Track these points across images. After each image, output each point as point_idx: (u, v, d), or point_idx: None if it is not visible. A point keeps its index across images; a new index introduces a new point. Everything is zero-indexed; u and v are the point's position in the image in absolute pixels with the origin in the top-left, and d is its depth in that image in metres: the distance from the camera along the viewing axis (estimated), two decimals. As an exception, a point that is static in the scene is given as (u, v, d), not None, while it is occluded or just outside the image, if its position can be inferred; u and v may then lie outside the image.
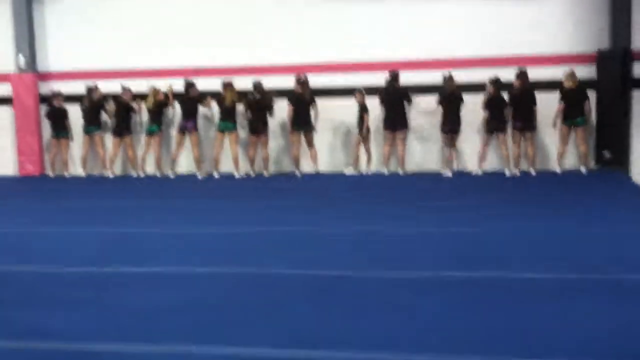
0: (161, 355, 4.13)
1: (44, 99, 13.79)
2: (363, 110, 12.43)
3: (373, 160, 12.81)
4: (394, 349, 4.14)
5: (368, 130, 12.52)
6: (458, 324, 4.52)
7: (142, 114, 13.31)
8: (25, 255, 6.75)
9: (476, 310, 4.80)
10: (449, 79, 12.15)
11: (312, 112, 12.50)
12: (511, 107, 11.98)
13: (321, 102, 12.59)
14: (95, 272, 6.03)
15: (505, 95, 12.05)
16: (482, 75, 12.25)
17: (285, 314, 4.81)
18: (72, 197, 10.95)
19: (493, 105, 12.03)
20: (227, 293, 5.37)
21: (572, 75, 11.81)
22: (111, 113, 13.27)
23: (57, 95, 13.40)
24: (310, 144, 12.64)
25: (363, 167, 12.78)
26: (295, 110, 12.48)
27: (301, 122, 12.51)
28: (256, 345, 4.23)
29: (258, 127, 12.59)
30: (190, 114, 12.77)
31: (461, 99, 12.16)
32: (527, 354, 4.00)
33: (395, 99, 12.36)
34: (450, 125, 12.18)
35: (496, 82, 11.96)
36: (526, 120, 11.92)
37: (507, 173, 11.97)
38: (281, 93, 12.67)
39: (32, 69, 13.85)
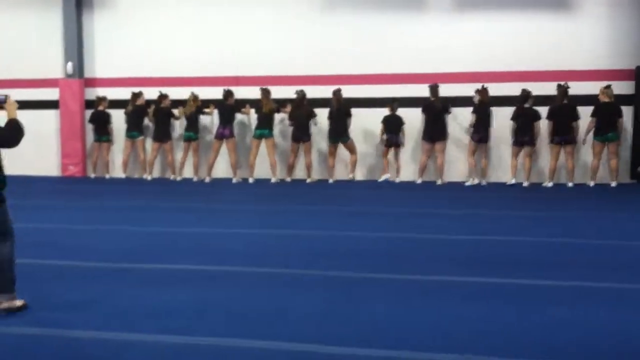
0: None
1: (89, 104, 14.21)
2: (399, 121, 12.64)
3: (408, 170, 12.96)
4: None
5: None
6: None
7: (182, 120, 13.60)
8: (65, 250, 6.97)
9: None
10: (481, 91, 12.21)
11: (347, 123, 12.71)
12: (551, 121, 11.96)
13: (362, 112, 12.78)
14: (129, 268, 6.25)
15: (545, 110, 12.05)
16: (519, 88, 12.27)
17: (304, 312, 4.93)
18: (111, 198, 11.24)
19: (519, 118, 12.05)
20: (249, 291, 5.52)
21: (608, 90, 11.76)
22: (151, 118, 13.62)
23: (102, 99, 13.82)
24: (351, 151, 12.80)
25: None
26: (331, 123, 12.71)
27: (336, 133, 12.69)
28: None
29: (300, 134, 12.78)
30: (227, 121, 13.02)
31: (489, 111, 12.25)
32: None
33: (435, 111, 12.46)
34: (480, 134, 12.23)
35: (525, 96, 12.01)
36: (565, 134, 11.89)
37: (525, 184, 12.09)
38: (325, 102, 12.89)
39: (79, 75, 14.30)
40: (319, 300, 5.16)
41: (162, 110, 13.45)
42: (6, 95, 4.97)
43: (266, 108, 12.79)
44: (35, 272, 5.54)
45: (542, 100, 12.16)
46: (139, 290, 5.49)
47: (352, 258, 6.59)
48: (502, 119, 12.35)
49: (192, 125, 13.33)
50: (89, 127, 14.12)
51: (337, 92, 12.71)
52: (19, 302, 4.93)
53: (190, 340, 4.30)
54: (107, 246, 7.20)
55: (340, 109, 12.71)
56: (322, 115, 12.94)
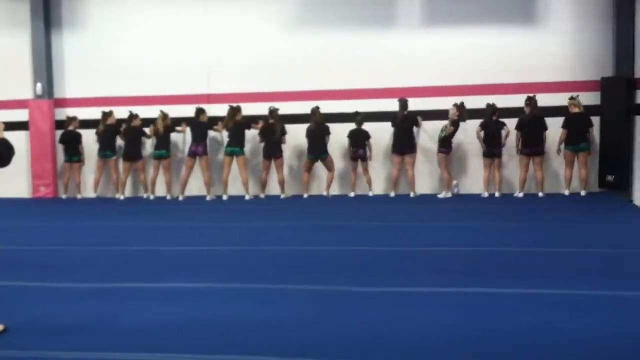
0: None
1: (60, 125, 14.12)
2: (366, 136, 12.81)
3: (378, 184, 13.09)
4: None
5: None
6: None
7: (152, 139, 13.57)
8: (41, 272, 6.95)
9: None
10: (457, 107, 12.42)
11: (325, 140, 12.82)
12: (520, 132, 12.17)
13: (333, 127, 12.89)
14: (106, 288, 6.24)
15: (514, 121, 12.25)
16: (487, 102, 12.48)
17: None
18: (86, 218, 11.17)
19: (488, 130, 12.27)
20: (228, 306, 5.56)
21: (576, 100, 12.02)
22: (123, 138, 13.59)
23: (72, 119, 13.74)
24: (328, 168, 12.89)
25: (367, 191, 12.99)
26: (310, 142, 12.83)
27: (316, 150, 12.79)
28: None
29: (273, 151, 12.85)
30: (200, 139, 13.04)
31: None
32: None
33: (404, 124, 12.61)
34: (446, 147, 12.42)
35: (492, 110, 12.26)
36: (534, 145, 12.10)
37: (496, 194, 12.25)
38: (298, 118, 12.99)
39: (48, 95, 14.21)
40: (301, 314, 5.22)
41: (133, 130, 13.41)
42: None
43: (224, 126, 12.86)
44: (11, 293, 5.51)
45: (508, 112, 12.36)
46: (119, 308, 5.49)
47: (332, 271, 6.66)
48: (471, 132, 12.53)
49: (163, 143, 13.31)
50: (60, 148, 14.02)
51: (316, 110, 12.82)
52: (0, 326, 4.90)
53: (175, 357, 4.32)
54: (86, 266, 7.19)
55: (320, 126, 12.80)
56: (294, 131, 13.01)
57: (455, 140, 12.60)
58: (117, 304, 5.62)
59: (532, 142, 12.12)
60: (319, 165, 13.04)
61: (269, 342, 4.59)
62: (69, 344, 4.63)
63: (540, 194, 12.11)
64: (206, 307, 5.50)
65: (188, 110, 13.25)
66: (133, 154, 13.42)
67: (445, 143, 12.44)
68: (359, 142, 12.80)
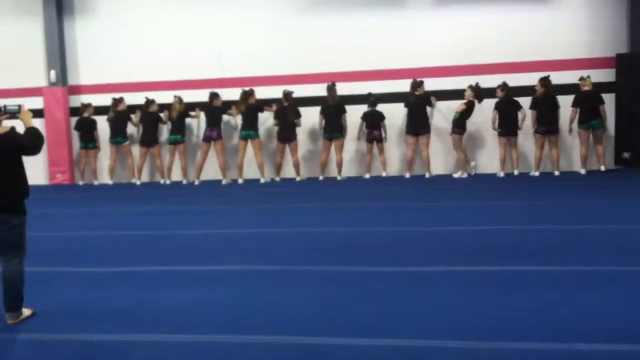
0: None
1: (74, 112, 14.20)
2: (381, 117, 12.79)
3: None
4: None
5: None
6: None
7: (168, 125, 13.63)
8: (63, 258, 7.03)
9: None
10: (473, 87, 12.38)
11: (342, 120, 12.79)
12: (535, 111, 12.13)
13: (348, 109, 12.89)
14: (129, 272, 6.31)
15: (528, 100, 12.22)
16: (501, 81, 12.43)
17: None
18: (101, 204, 11.25)
19: (502, 109, 12.22)
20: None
21: (588, 79, 11.96)
22: (137, 124, 13.65)
23: (87, 106, 13.81)
24: (339, 150, 12.88)
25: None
26: (327, 118, 12.80)
27: (332, 129, 12.79)
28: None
29: (287, 134, 12.86)
30: (214, 123, 13.07)
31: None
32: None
33: (418, 105, 12.59)
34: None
35: (504, 87, 12.20)
36: (549, 124, 12.07)
37: (515, 172, 12.26)
38: (311, 101, 12.98)
39: (62, 82, 14.27)
40: (320, 295, 5.27)
41: (150, 115, 13.47)
42: (19, 105, 5.02)
43: (238, 110, 12.88)
44: (35, 279, 5.57)
45: (522, 91, 12.33)
46: (144, 292, 5.55)
47: (352, 253, 6.70)
48: (485, 113, 12.50)
49: (178, 128, 13.36)
50: (75, 135, 14.11)
51: (331, 88, 12.80)
52: (27, 312, 4.98)
53: (197, 338, 4.39)
54: (107, 251, 7.27)
55: (336, 104, 12.80)
56: (307, 113, 13.02)
57: (472, 119, 12.56)
58: (140, 288, 5.69)
59: (548, 121, 12.09)
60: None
61: (289, 323, 4.64)
62: (95, 327, 4.70)
63: (557, 173, 12.10)
64: (227, 289, 5.55)
65: (202, 95, 13.29)
66: (149, 139, 13.48)
67: (459, 123, 12.42)
68: (374, 124, 12.79)
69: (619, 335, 4.14)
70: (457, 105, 12.48)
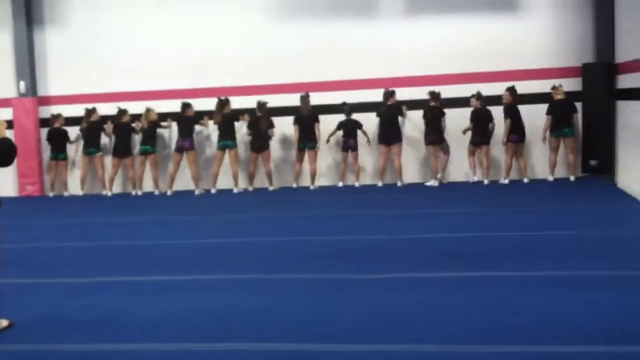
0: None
1: (44, 122, 14.09)
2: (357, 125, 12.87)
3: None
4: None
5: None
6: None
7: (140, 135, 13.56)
8: (37, 269, 7.00)
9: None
10: (432, 94, 12.53)
11: (315, 130, 12.85)
12: (506, 120, 12.31)
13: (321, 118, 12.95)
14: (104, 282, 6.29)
15: (496, 109, 12.39)
16: (472, 90, 12.60)
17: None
18: (73, 215, 11.18)
19: (477, 119, 12.40)
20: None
21: (560, 87, 12.17)
22: (110, 134, 13.58)
23: (57, 117, 13.71)
24: (313, 160, 12.93)
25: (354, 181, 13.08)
26: (300, 129, 12.85)
27: (305, 139, 12.85)
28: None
29: (260, 144, 12.89)
30: (186, 133, 13.04)
31: (442, 113, 12.50)
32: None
33: (389, 114, 12.71)
34: (433, 137, 12.52)
35: (479, 97, 12.38)
36: (520, 133, 12.26)
37: (485, 182, 12.38)
38: (284, 111, 13.03)
39: (32, 93, 14.15)
40: (300, 302, 5.32)
41: (123, 126, 13.40)
42: None
43: (216, 120, 12.86)
44: (11, 290, 5.54)
45: (491, 100, 12.49)
46: (121, 302, 5.55)
47: (332, 259, 6.76)
48: (455, 121, 12.64)
49: (148, 138, 13.30)
50: (45, 145, 13.99)
51: (305, 98, 12.86)
52: (4, 322, 4.94)
53: (179, 346, 4.41)
54: (81, 262, 7.24)
55: (310, 114, 12.86)
56: (281, 124, 13.06)
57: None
58: (117, 298, 5.68)
59: (518, 130, 12.27)
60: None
61: (270, 330, 4.68)
62: (75, 337, 4.69)
63: (526, 180, 12.27)
64: (206, 298, 5.57)
65: (175, 105, 13.25)
66: (122, 150, 13.41)
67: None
68: (350, 132, 12.85)
69: (597, 336, 4.24)
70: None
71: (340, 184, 13.04)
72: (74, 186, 13.95)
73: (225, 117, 12.86)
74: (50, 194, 13.89)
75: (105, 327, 4.91)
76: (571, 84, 12.53)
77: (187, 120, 13.09)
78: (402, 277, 5.93)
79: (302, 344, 4.37)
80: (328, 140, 13.05)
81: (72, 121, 13.76)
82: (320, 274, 6.18)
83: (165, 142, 13.84)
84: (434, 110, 12.53)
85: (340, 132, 12.97)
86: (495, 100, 12.47)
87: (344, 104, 12.92)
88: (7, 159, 4.90)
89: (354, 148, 12.90)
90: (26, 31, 14.00)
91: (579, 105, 12.45)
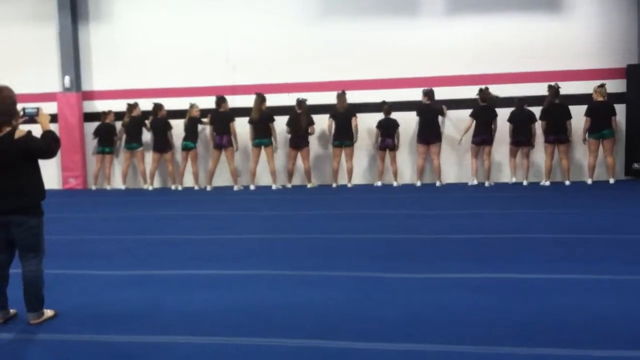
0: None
1: (87, 117, 14.33)
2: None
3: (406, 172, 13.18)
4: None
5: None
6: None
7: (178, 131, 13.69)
8: (81, 260, 7.11)
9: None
10: (482, 92, 12.42)
11: (352, 125, 12.86)
12: (544, 121, 12.20)
13: (360, 117, 12.99)
14: (146, 275, 6.39)
15: (538, 110, 12.28)
16: (515, 90, 12.50)
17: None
18: (115, 209, 11.35)
19: (517, 120, 12.28)
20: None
21: (601, 89, 12.01)
22: (149, 129, 13.74)
23: (108, 113, 13.97)
24: (349, 157, 12.94)
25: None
26: (337, 126, 12.85)
27: (341, 137, 12.85)
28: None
29: (299, 141, 12.92)
30: (223, 130, 13.12)
31: (494, 113, 12.40)
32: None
33: (430, 114, 12.66)
34: (482, 136, 12.43)
35: (520, 99, 12.27)
36: (559, 133, 12.12)
37: (525, 183, 12.33)
38: (324, 109, 13.07)
39: (76, 88, 14.40)
40: (336, 298, 5.34)
41: (159, 121, 13.56)
42: (38, 108, 5.11)
43: (255, 115, 12.89)
44: (55, 281, 5.65)
45: (534, 100, 12.40)
46: (160, 294, 5.62)
47: (364, 258, 6.77)
48: (499, 121, 12.55)
49: (190, 134, 13.43)
50: (88, 139, 14.23)
51: (341, 95, 12.87)
52: (49, 312, 5.05)
53: (216, 340, 4.46)
54: (124, 254, 7.36)
55: (346, 111, 12.87)
56: (320, 121, 13.12)
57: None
58: (158, 291, 5.76)
59: (556, 130, 12.14)
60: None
61: (305, 325, 4.70)
62: (114, 328, 4.76)
63: (567, 182, 12.14)
64: (242, 293, 5.61)
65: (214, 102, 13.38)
66: (161, 145, 13.57)
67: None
68: (388, 132, 12.85)
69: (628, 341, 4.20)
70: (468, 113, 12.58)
71: (379, 183, 13.03)
72: (116, 180, 14.19)
73: (262, 115, 12.91)
74: (93, 187, 14.15)
75: (145, 319, 4.98)
76: (615, 86, 12.38)
77: (222, 116, 13.16)
78: (434, 277, 5.91)
79: (332, 341, 4.39)
80: (375, 146, 12.98)
81: (116, 116, 14.01)
82: (355, 271, 6.19)
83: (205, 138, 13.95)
84: (485, 110, 12.42)
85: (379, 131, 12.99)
86: (539, 100, 12.35)
87: (384, 102, 12.91)
88: (51, 151, 4.99)
89: (392, 147, 12.87)
90: (71, 26, 14.27)
91: (622, 107, 12.30)
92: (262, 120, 12.91)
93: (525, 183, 12.35)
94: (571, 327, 4.49)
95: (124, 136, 13.90)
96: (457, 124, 12.98)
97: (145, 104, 13.76)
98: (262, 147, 13.02)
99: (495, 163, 12.98)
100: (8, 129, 4.83)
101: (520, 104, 12.42)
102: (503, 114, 12.48)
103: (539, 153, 12.64)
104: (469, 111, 12.56)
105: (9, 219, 4.82)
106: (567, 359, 3.97)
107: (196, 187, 13.50)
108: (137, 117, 13.77)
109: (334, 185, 13.08)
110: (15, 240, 4.88)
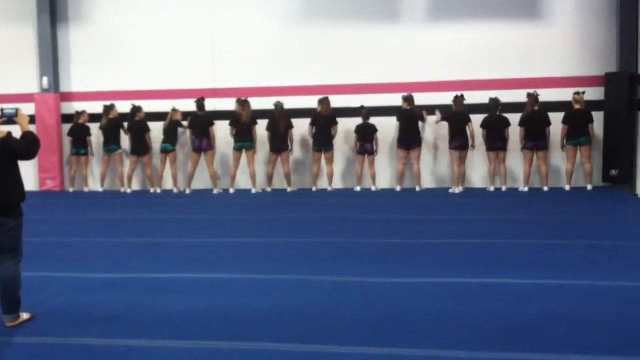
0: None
1: (65, 118, 14.21)
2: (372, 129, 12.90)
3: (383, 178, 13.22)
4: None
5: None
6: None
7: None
8: (58, 263, 7.06)
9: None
10: (457, 98, 12.50)
11: (332, 131, 12.88)
12: (523, 127, 12.29)
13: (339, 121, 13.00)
14: (124, 278, 6.35)
15: (516, 117, 12.37)
16: (493, 96, 12.57)
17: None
18: (92, 211, 11.26)
19: (490, 125, 12.38)
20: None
21: (578, 96, 12.11)
22: (126, 132, 13.64)
23: (81, 113, 13.82)
24: (329, 161, 12.96)
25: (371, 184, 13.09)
26: (317, 130, 12.88)
27: (322, 141, 12.88)
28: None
29: (279, 145, 12.93)
30: (202, 133, 13.06)
31: (468, 119, 12.47)
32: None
33: (409, 118, 12.70)
34: (457, 142, 12.50)
35: (494, 102, 12.37)
36: (537, 140, 12.23)
37: (503, 188, 12.41)
38: (302, 112, 13.07)
39: (54, 89, 14.28)
40: (319, 303, 5.34)
41: (137, 123, 13.48)
42: (16, 109, 5.07)
43: (245, 118, 12.87)
44: (32, 284, 5.59)
45: (513, 107, 12.47)
46: (139, 297, 5.59)
47: (342, 262, 6.78)
48: (474, 127, 12.60)
49: (169, 137, 13.36)
50: (66, 141, 14.12)
51: (324, 100, 12.88)
52: (25, 315, 5.00)
53: (196, 344, 4.44)
54: (101, 257, 7.31)
55: (328, 116, 12.89)
56: (299, 125, 13.12)
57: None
58: (137, 294, 5.73)
59: (535, 137, 12.24)
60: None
61: (284, 329, 4.70)
62: (95, 331, 4.73)
63: (545, 188, 12.23)
64: (223, 296, 5.60)
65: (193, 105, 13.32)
66: (138, 148, 13.48)
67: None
68: (366, 136, 12.88)
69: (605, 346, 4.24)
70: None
71: (358, 188, 13.05)
72: (94, 182, 14.08)
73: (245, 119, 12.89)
74: (70, 189, 14.03)
75: (123, 322, 4.95)
76: (593, 93, 12.47)
77: (202, 119, 13.11)
78: (413, 282, 5.93)
79: (313, 345, 4.38)
80: (356, 150, 13.04)
81: (94, 117, 13.88)
82: (332, 275, 6.19)
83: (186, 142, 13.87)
84: (458, 115, 12.50)
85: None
86: (516, 107, 12.44)
87: (362, 107, 12.94)
88: (32, 152, 4.96)
89: (370, 152, 12.90)
90: (50, 27, 14.13)
91: (600, 114, 12.41)
92: (246, 123, 12.89)
93: (503, 188, 12.41)
94: (552, 333, 4.52)
95: (102, 138, 13.77)
96: (436, 129, 13.03)
97: (125, 106, 13.66)
98: (244, 150, 12.98)
99: (474, 168, 13.05)
100: (-13, 130, 4.80)
101: (494, 105, 12.50)
102: (477, 120, 12.53)
103: (517, 159, 12.71)
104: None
105: (-12, 220, 4.79)
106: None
107: (175, 190, 13.43)
108: (114, 118, 13.65)
109: (314, 188, 13.08)
110: None
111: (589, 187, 12.12)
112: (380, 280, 6.00)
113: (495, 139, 12.42)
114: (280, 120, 12.90)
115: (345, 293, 5.64)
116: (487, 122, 12.47)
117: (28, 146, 4.93)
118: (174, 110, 13.30)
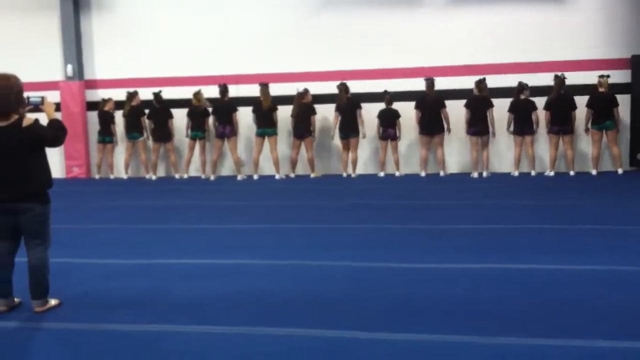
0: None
1: (90, 106, 14.31)
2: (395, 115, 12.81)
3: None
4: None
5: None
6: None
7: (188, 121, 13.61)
8: (84, 250, 7.11)
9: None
10: (480, 83, 12.37)
11: (358, 119, 12.83)
12: (548, 111, 12.16)
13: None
14: (149, 264, 6.39)
15: (541, 100, 12.23)
16: (517, 81, 12.44)
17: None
18: (118, 198, 11.34)
19: (517, 109, 12.24)
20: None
21: (602, 79, 11.95)
22: (147, 120, 13.70)
23: (107, 101, 13.91)
24: (354, 148, 12.91)
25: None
26: (342, 118, 12.83)
27: (347, 128, 12.82)
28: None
29: (302, 131, 12.90)
30: (225, 120, 13.08)
31: (490, 104, 12.33)
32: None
33: (431, 104, 12.61)
34: (476, 127, 12.38)
35: (521, 88, 12.23)
36: (563, 124, 12.09)
37: (532, 173, 12.27)
38: (323, 98, 13.02)
39: (79, 77, 14.37)
40: (342, 289, 5.34)
41: (159, 110, 13.50)
42: (42, 97, 5.10)
43: (265, 104, 12.87)
44: (58, 270, 5.65)
45: (538, 91, 12.35)
46: (164, 283, 5.63)
47: (365, 248, 6.77)
48: (498, 111, 12.48)
49: (199, 124, 13.36)
50: (92, 128, 14.22)
51: (344, 85, 12.83)
52: (53, 302, 5.05)
53: (223, 329, 4.46)
54: (126, 244, 7.35)
55: (350, 103, 12.83)
56: (322, 111, 13.09)
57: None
58: (162, 280, 5.76)
59: (561, 121, 12.11)
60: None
61: (306, 315, 4.70)
62: (122, 317, 4.77)
63: (572, 173, 12.11)
64: (246, 282, 5.61)
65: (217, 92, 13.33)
66: (160, 134, 13.52)
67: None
68: (389, 122, 12.82)
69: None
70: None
71: (382, 174, 13.01)
72: (119, 169, 14.19)
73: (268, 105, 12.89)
74: (97, 177, 14.14)
75: (148, 308, 4.98)
76: (620, 76, 12.32)
77: (225, 105, 13.11)
78: (435, 268, 5.91)
79: (333, 330, 4.38)
80: (379, 136, 12.95)
81: (118, 105, 13.97)
82: (358, 261, 6.19)
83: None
84: (481, 100, 12.39)
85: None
86: (543, 91, 12.30)
87: (385, 92, 12.87)
88: (59, 139, 4.99)
89: (393, 137, 12.84)
90: (73, 15, 14.22)
91: (627, 97, 12.26)
92: (267, 109, 12.88)
93: (533, 173, 12.30)
94: (573, 318, 4.48)
95: (125, 126, 13.84)
96: (458, 115, 12.92)
97: (148, 93, 13.71)
98: (266, 137, 12.98)
99: (497, 154, 12.95)
100: (16, 117, 4.83)
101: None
102: (501, 105, 12.40)
103: (543, 144, 12.59)
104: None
105: (16, 206, 4.83)
106: (568, 349, 3.96)
107: (203, 177, 13.47)
108: (136, 106, 13.71)
109: (345, 174, 13.03)
110: (22, 227, 4.88)
111: (620, 171, 11.99)
112: (400, 266, 5.97)
113: (522, 123, 12.29)
114: (303, 107, 12.88)
115: (367, 279, 5.63)
116: (514, 106, 12.34)
117: (55, 133, 4.96)
118: (197, 95, 13.21)
